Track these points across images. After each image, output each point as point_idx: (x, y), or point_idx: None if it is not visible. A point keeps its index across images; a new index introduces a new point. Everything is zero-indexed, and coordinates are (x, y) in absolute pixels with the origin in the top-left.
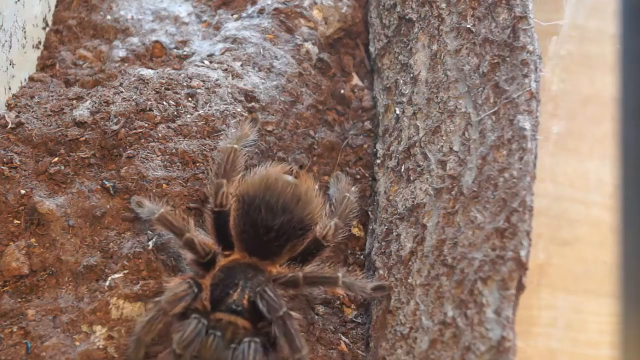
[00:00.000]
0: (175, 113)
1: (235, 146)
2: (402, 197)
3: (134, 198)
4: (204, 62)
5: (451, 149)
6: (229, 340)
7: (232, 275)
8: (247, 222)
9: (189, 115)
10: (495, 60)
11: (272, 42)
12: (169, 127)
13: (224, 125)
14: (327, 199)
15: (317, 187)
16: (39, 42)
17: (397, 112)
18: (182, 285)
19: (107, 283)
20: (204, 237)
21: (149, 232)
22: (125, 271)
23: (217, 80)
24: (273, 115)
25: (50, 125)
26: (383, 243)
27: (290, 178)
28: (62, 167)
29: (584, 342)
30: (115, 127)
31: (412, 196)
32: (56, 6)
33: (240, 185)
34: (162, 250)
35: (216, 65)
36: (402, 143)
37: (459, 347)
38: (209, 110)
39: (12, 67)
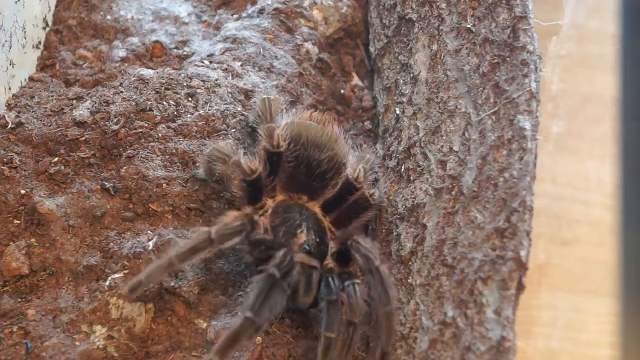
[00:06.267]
0: (175, 113)
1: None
2: (402, 197)
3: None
4: (204, 62)
5: (451, 149)
6: (304, 282)
7: (290, 216)
8: (297, 158)
9: (189, 115)
10: (495, 60)
11: (272, 42)
12: (169, 127)
13: (224, 125)
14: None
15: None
16: (39, 42)
17: (397, 112)
18: (238, 220)
19: (107, 283)
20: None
21: (149, 232)
22: (126, 271)
23: (217, 80)
24: None
25: (50, 125)
26: (383, 243)
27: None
28: (62, 167)
29: (584, 342)
30: (115, 127)
31: (412, 196)
32: (56, 6)
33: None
34: (162, 251)
35: (216, 65)
36: (402, 143)
37: (459, 347)
38: (209, 110)
39: (12, 67)
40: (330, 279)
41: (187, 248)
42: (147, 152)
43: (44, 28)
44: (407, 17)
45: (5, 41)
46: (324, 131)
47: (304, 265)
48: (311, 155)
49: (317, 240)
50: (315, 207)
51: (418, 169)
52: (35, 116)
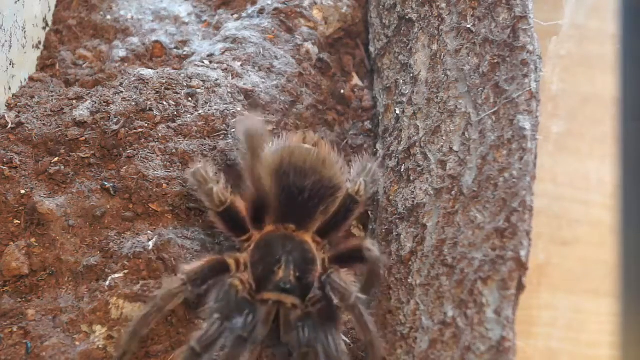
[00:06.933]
0: (175, 113)
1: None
2: (402, 197)
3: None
4: (203, 62)
5: (451, 149)
6: (283, 321)
7: (271, 250)
8: (278, 188)
9: (189, 115)
10: (495, 60)
11: (272, 42)
12: (169, 127)
13: (224, 125)
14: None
15: (334, 151)
16: (39, 42)
17: (397, 112)
18: (176, 282)
19: (107, 283)
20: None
21: (149, 232)
22: (126, 271)
23: (217, 80)
24: (273, 115)
25: (50, 125)
26: (383, 243)
27: (308, 146)
28: (62, 167)
29: (584, 342)
30: (115, 127)
31: (412, 196)
32: (56, 6)
33: (264, 158)
34: (162, 251)
35: (216, 65)
36: (402, 143)
37: (459, 347)
38: (209, 110)
39: (12, 67)
40: (302, 329)
41: (142, 315)
42: (147, 152)
43: (44, 28)
44: (407, 17)
45: (5, 41)
46: (309, 154)
47: (281, 304)
48: (294, 182)
49: (299, 275)
50: (305, 236)
51: (418, 169)
52: (35, 116)
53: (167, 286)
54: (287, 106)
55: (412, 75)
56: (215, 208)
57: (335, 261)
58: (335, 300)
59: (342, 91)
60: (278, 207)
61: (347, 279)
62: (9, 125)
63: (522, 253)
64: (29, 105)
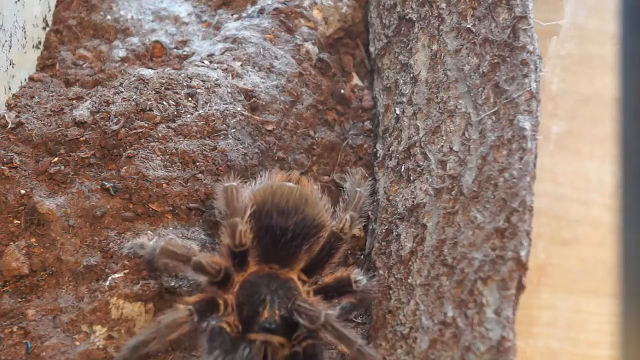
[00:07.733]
0: (175, 113)
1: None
2: (402, 197)
3: (134, 243)
4: (204, 62)
5: (451, 149)
6: None
7: (256, 290)
8: (261, 229)
9: (189, 115)
10: (495, 60)
11: (272, 42)
12: (169, 127)
13: (224, 125)
14: (342, 193)
15: (318, 189)
16: (39, 42)
17: (397, 112)
18: (182, 312)
19: (108, 283)
20: (210, 255)
21: (149, 232)
22: (126, 271)
23: (217, 80)
24: (273, 115)
25: (50, 125)
26: (383, 243)
27: (291, 184)
28: (62, 167)
29: (584, 342)
30: (115, 127)
31: (412, 196)
32: (56, 6)
33: (246, 198)
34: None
35: (216, 65)
36: (402, 143)
37: (459, 347)
38: (209, 110)
39: (12, 67)
40: None
41: (143, 338)
42: (147, 152)
43: (44, 28)
44: (407, 17)
45: (5, 41)
46: (292, 193)
47: (268, 344)
48: (277, 222)
49: (284, 313)
50: (291, 273)
51: (418, 169)
52: (35, 116)
53: (173, 315)
54: (287, 106)
55: (412, 75)
56: (234, 247)
57: (322, 294)
58: (306, 324)
59: (342, 91)
60: (261, 247)
61: (312, 300)
62: (9, 125)
63: (522, 253)
64: (29, 105)
